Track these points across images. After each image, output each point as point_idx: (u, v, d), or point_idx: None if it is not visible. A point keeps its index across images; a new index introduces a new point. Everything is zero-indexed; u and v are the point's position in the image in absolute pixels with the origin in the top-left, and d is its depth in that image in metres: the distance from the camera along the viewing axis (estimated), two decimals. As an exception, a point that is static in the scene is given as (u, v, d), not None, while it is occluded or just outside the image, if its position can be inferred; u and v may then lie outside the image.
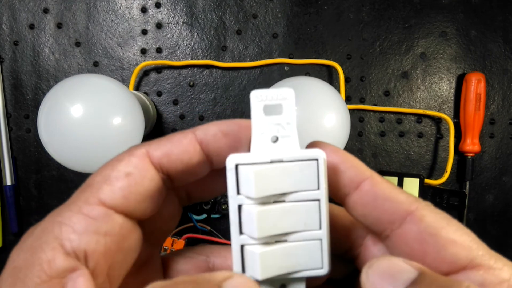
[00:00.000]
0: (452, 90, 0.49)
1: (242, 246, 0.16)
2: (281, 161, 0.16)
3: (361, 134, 0.49)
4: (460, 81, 0.48)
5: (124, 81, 0.49)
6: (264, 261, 0.16)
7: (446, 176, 0.48)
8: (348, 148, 0.49)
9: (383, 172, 0.47)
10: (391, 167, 0.49)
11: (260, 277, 0.16)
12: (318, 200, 0.16)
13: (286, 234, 0.16)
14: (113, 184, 0.15)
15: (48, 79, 0.49)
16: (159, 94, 0.49)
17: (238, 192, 0.16)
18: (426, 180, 0.48)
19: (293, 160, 0.16)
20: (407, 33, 0.48)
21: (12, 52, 0.49)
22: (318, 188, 0.16)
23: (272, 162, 0.16)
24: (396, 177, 0.46)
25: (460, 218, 0.49)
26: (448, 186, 0.49)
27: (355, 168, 0.17)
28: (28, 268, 0.13)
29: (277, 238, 0.17)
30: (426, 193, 0.47)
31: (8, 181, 0.48)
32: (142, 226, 0.17)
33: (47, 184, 0.49)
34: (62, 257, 0.13)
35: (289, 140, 0.17)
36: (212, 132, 0.16)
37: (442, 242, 0.15)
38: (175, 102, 0.49)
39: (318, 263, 0.17)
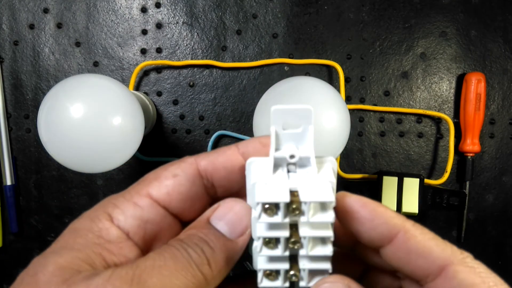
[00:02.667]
0: (452, 90, 0.49)
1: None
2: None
3: (361, 134, 0.49)
4: (460, 81, 0.48)
5: (124, 81, 0.49)
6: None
7: (446, 176, 0.48)
8: (348, 148, 0.49)
9: (383, 172, 0.47)
10: (391, 167, 0.49)
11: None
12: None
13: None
14: (161, 181, 0.18)
15: (48, 79, 0.49)
16: (159, 94, 0.49)
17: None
18: (426, 180, 0.48)
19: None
20: (407, 33, 0.48)
21: (12, 52, 0.49)
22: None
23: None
24: (396, 177, 0.46)
25: (460, 218, 0.49)
26: (448, 186, 0.49)
27: (386, 224, 0.17)
28: (88, 230, 0.16)
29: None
30: (426, 193, 0.47)
31: (8, 181, 0.48)
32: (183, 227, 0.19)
33: (47, 184, 0.49)
34: (115, 229, 0.16)
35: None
36: (252, 144, 0.18)
37: None
38: (175, 102, 0.49)
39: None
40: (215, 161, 0.18)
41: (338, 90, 0.47)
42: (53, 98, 0.36)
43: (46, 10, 0.48)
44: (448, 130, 0.49)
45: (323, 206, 0.16)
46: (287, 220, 0.16)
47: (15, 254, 0.50)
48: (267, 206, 0.16)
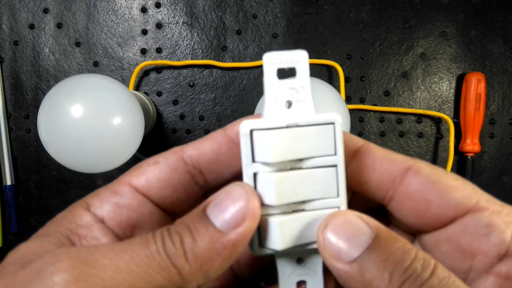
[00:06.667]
0: (452, 90, 0.49)
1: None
2: (297, 125, 0.16)
3: (361, 134, 0.49)
4: (460, 81, 0.48)
5: (124, 81, 0.49)
6: (282, 231, 0.16)
7: (446, 176, 0.48)
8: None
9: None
10: (391, 167, 0.49)
11: (280, 247, 0.16)
12: (335, 166, 0.16)
13: (304, 202, 0.16)
14: (142, 169, 0.17)
15: (48, 79, 0.49)
16: (159, 94, 0.49)
17: (253, 160, 0.16)
18: (426, 180, 0.48)
19: (309, 124, 0.16)
20: (407, 33, 0.48)
21: (12, 52, 0.49)
22: (335, 154, 0.16)
23: (288, 127, 0.16)
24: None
25: (460, 218, 0.49)
26: (448, 186, 0.49)
27: (348, 139, 0.17)
28: (62, 219, 0.16)
29: (295, 207, 0.16)
30: (426, 193, 0.47)
31: (8, 181, 0.48)
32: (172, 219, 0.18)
33: (47, 184, 0.49)
34: (88, 214, 0.16)
35: (304, 105, 0.16)
36: (239, 124, 0.17)
37: (444, 188, 0.16)
38: (175, 102, 0.49)
39: None
40: (200, 146, 0.17)
41: (338, 90, 0.47)
42: (53, 98, 0.36)
43: (46, 10, 0.48)
44: (448, 130, 0.49)
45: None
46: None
47: (15, 254, 0.49)
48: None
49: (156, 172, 0.17)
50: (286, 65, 0.16)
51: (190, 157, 0.17)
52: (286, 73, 0.17)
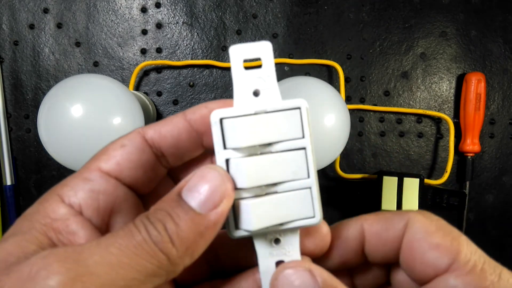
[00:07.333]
0: (452, 90, 0.49)
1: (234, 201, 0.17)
2: (265, 111, 0.17)
3: (361, 134, 0.49)
4: (460, 81, 0.48)
5: (124, 81, 0.49)
6: (255, 212, 0.16)
7: (446, 176, 0.48)
8: (348, 148, 0.49)
9: (383, 172, 0.47)
10: (391, 167, 0.49)
11: (254, 227, 0.16)
12: (304, 148, 0.17)
13: (276, 184, 0.17)
14: (109, 153, 0.17)
15: (48, 79, 0.49)
16: (159, 94, 0.49)
17: (225, 147, 0.17)
18: (426, 180, 0.48)
19: (277, 110, 0.17)
20: (407, 33, 0.48)
21: (12, 52, 0.49)
22: (303, 136, 0.17)
23: (256, 113, 0.17)
24: (396, 177, 0.46)
25: (460, 218, 0.49)
26: (448, 186, 0.49)
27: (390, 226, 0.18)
28: (35, 214, 0.16)
29: (267, 190, 0.17)
30: (426, 193, 0.47)
31: (8, 181, 0.48)
32: (144, 202, 0.18)
33: (47, 184, 0.49)
34: (63, 206, 0.16)
35: (271, 92, 0.17)
36: (199, 110, 0.17)
37: (426, 246, 0.16)
38: (175, 102, 0.49)
39: (310, 212, 0.17)
40: (161, 130, 0.17)
41: (338, 90, 0.47)
42: (53, 98, 0.36)
43: (46, 10, 0.48)
44: (448, 130, 0.49)
45: None
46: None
47: (15, 254, 0.49)
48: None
49: (125, 155, 0.17)
50: (251, 56, 0.17)
51: (151, 139, 0.17)
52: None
